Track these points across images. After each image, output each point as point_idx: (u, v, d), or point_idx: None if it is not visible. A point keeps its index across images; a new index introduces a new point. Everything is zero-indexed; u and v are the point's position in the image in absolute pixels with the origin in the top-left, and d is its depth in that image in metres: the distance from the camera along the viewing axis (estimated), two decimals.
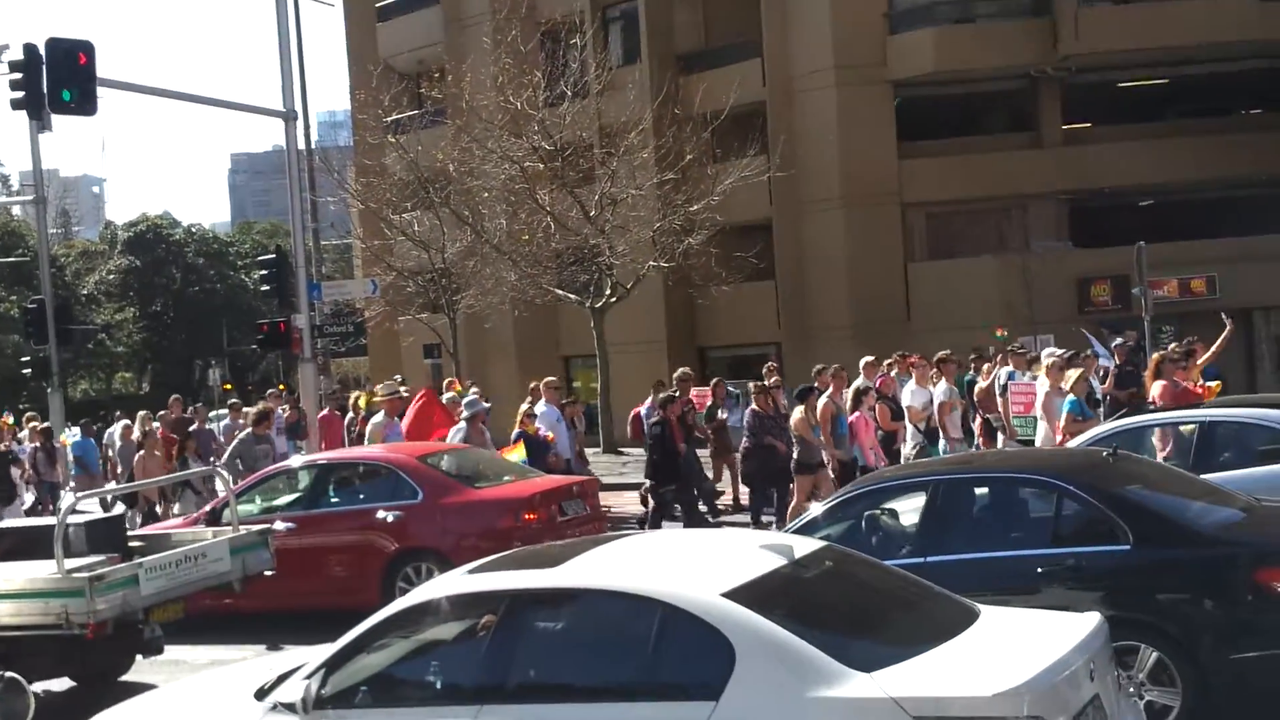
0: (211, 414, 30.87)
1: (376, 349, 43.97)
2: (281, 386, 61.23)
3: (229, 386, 78.61)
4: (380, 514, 13.79)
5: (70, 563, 10.88)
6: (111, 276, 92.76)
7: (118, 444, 25.06)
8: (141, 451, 21.31)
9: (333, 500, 14.59)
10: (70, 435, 26.97)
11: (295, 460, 16.34)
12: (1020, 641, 6.49)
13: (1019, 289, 31.35)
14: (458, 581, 7.19)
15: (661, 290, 34.51)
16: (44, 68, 22.34)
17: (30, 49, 23.17)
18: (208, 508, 15.65)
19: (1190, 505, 9.02)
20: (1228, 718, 8.36)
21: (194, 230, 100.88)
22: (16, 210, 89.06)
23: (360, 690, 6.80)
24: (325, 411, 24.06)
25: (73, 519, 11.60)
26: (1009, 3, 35.88)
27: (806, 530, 9.49)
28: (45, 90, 22.38)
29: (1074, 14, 33.17)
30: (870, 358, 18.99)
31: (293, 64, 27.73)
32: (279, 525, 14.14)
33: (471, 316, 35.99)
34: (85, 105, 22.28)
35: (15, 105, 24.73)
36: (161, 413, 26.72)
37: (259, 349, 46.70)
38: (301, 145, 30.47)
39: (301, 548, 13.85)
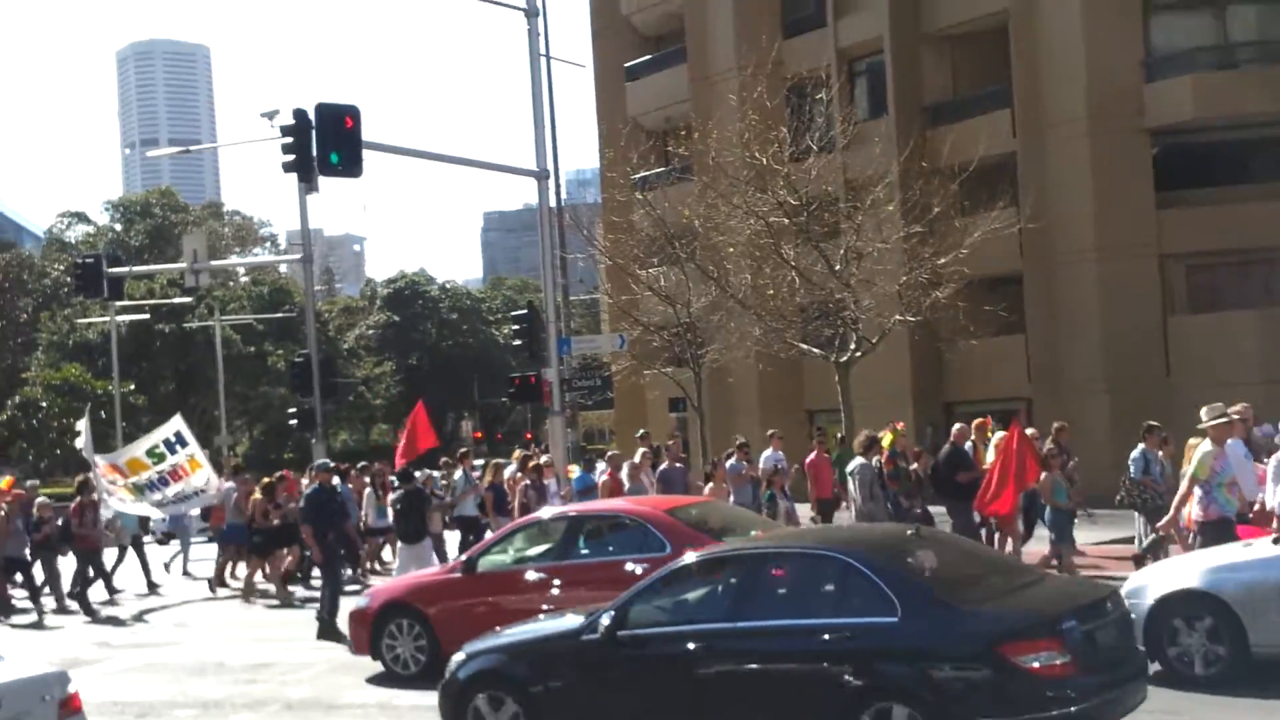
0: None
1: (622, 402, 44.56)
2: (529, 437, 62.54)
3: (479, 435, 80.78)
4: (629, 566, 13.80)
5: None
6: (371, 331, 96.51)
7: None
8: (710, 483, 21.53)
9: (582, 552, 14.69)
10: (574, 469, 26.17)
11: (545, 512, 16.59)
12: None
13: None
14: None
15: (908, 344, 34.09)
16: (313, 132, 23.43)
17: (300, 114, 24.26)
18: (464, 556, 16.04)
19: (961, 582, 9.91)
20: None
21: (448, 287, 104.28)
22: (284, 268, 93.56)
23: None
24: (814, 455, 23.74)
25: None
26: (1272, 47, 34.50)
27: (637, 600, 10.57)
28: (314, 153, 23.49)
29: None
30: None
31: (545, 125, 28.51)
32: (530, 575, 14.42)
33: (716, 370, 36.13)
34: (352, 167, 23.24)
35: (287, 168, 26.03)
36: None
37: (509, 401, 47.74)
38: (553, 203, 31.21)
39: (552, 598, 14.06)
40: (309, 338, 38.35)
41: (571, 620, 11.11)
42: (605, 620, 10.43)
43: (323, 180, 24.81)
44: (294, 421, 37.81)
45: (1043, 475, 18.70)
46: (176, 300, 76.31)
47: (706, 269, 33.19)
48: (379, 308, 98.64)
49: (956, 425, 21.04)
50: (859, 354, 29.20)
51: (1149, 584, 12.37)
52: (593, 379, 34.80)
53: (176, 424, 24.64)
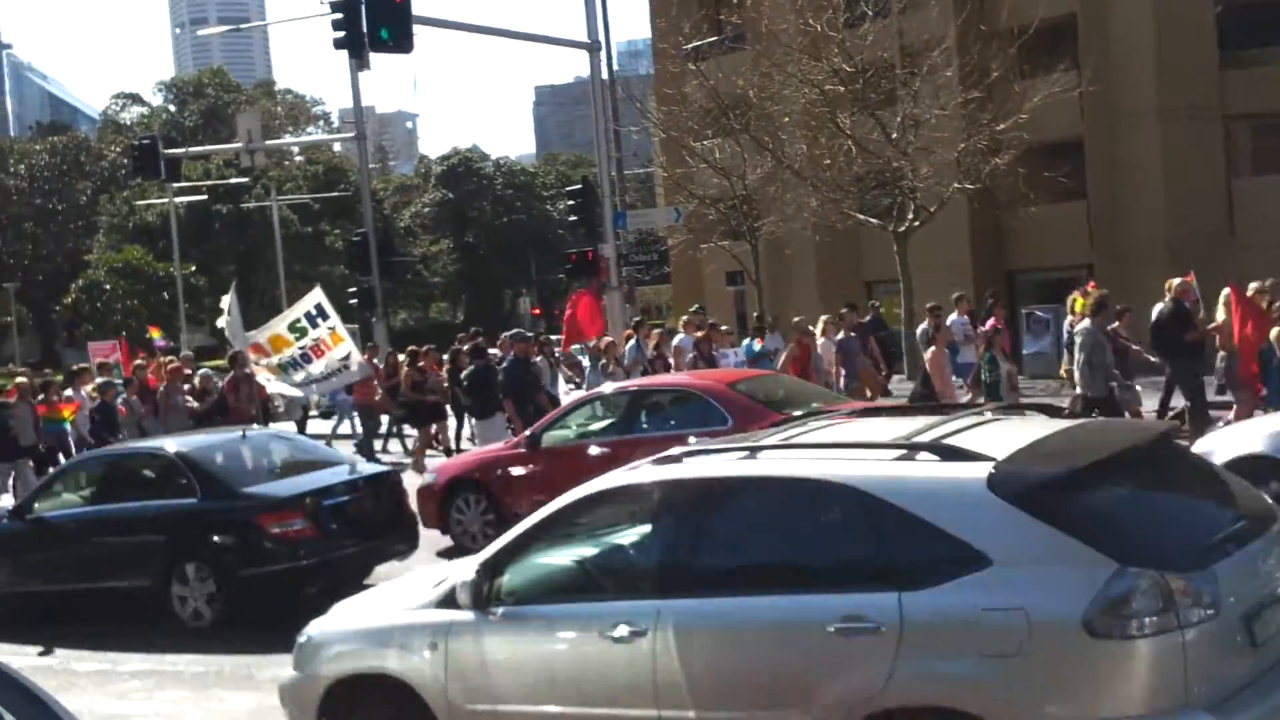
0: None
1: (679, 277, 44.49)
2: None
3: (538, 312, 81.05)
4: (691, 439, 13.85)
5: None
6: (426, 209, 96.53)
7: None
8: (933, 347, 19.85)
9: (644, 426, 14.77)
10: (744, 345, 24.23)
11: (607, 387, 16.68)
12: None
13: None
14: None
15: (967, 213, 33.75)
16: (363, 8, 23.38)
17: None
18: (528, 431, 16.16)
19: (252, 471, 13.59)
20: (247, 613, 12.67)
21: (502, 163, 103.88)
22: (338, 147, 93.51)
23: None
24: (990, 324, 21.57)
25: None
26: None
27: (40, 492, 14.64)
28: (365, 30, 23.46)
29: None
30: None
31: None
32: (592, 450, 14.56)
33: (772, 242, 35.99)
34: (402, 43, 23.21)
35: (337, 45, 25.98)
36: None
37: (566, 278, 47.76)
38: (604, 76, 30.95)
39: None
40: (365, 216, 38.47)
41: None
42: (10, 505, 14.62)
43: (374, 57, 24.71)
44: (354, 300, 38.09)
45: (1274, 331, 17.47)
46: (233, 181, 76.69)
47: (761, 140, 32.95)
48: (433, 185, 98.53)
49: (1176, 281, 19.17)
50: (917, 223, 29.02)
51: (1215, 449, 12.38)
52: (649, 253, 34.73)
53: (316, 296, 23.13)
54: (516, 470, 15.17)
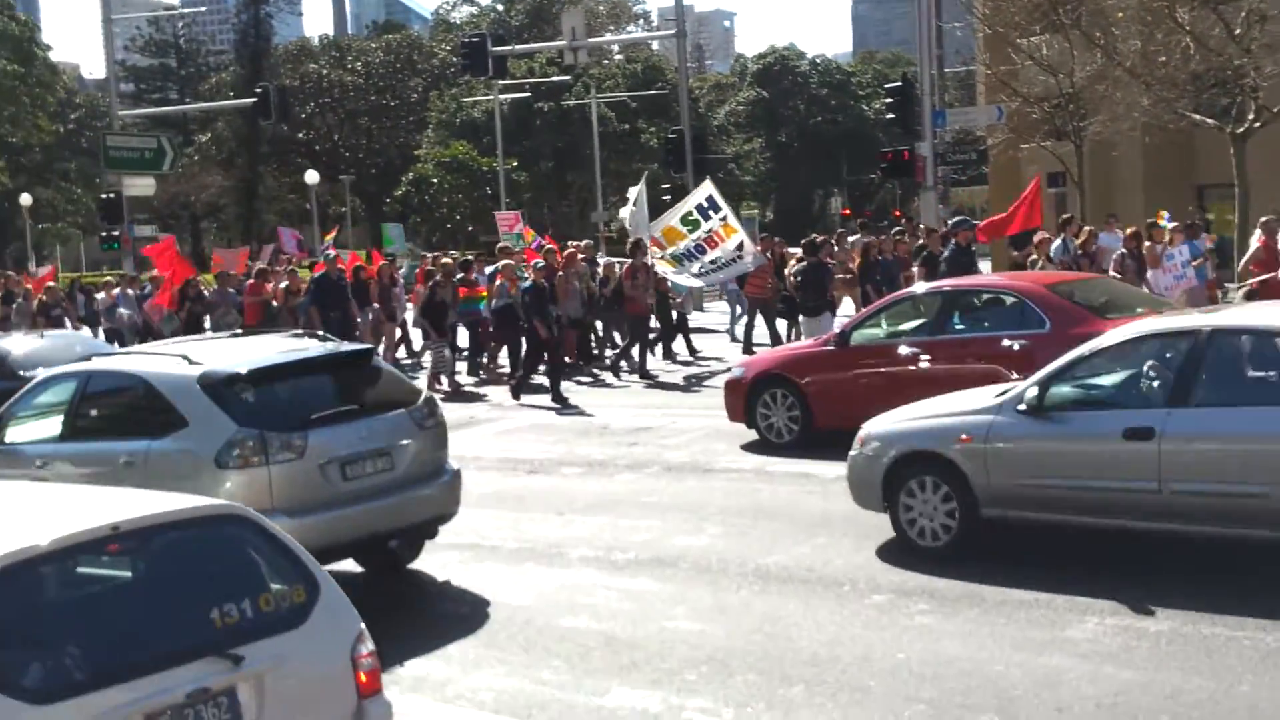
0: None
1: (997, 178, 43.23)
2: (897, 214, 61.75)
3: (847, 212, 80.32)
4: (1006, 342, 13.58)
5: None
6: (740, 108, 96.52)
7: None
8: None
9: (957, 327, 14.48)
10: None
11: (919, 287, 16.42)
12: None
13: None
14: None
15: None
16: None
17: None
18: (837, 329, 16.14)
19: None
20: None
21: (818, 62, 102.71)
22: (656, 45, 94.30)
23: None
24: None
25: None
26: None
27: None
28: None
29: None
30: None
31: None
32: (903, 349, 14.41)
33: (1098, 144, 34.55)
34: None
35: None
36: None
37: (879, 178, 47.22)
38: None
39: (927, 373, 14.02)
40: (681, 114, 38.78)
41: None
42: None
43: None
44: (667, 197, 38.57)
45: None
46: (555, 79, 78.36)
47: (1093, 36, 31.55)
48: (749, 84, 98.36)
49: None
50: (1258, 125, 27.36)
51: None
52: (967, 153, 33.87)
53: (707, 188, 22.99)
54: (823, 367, 15.13)
